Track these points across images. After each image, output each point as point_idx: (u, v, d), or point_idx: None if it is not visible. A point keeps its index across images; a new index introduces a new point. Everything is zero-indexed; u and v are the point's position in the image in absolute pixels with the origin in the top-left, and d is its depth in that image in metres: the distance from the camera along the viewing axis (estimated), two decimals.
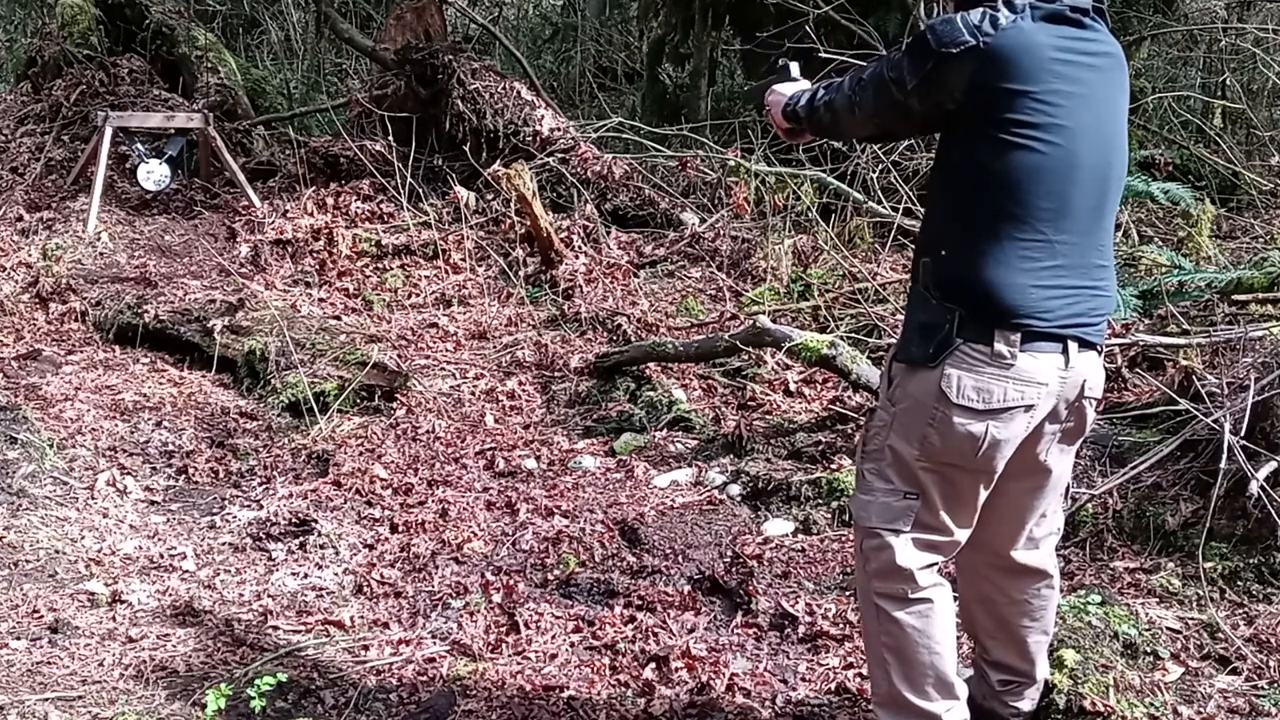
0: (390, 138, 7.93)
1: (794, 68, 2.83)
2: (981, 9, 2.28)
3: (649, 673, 3.11)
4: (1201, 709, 2.74)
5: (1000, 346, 2.30)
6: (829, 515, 3.99)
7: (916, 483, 2.41)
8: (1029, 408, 2.35)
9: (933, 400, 2.35)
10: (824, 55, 6.98)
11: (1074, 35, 2.32)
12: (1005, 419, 2.34)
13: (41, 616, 3.43)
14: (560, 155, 7.63)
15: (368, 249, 7.14)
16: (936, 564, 2.47)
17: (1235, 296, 5.12)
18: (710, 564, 3.74)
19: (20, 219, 7.57)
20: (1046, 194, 2.29)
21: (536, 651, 3.26)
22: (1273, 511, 3.21)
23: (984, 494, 2.44)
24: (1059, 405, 2.40)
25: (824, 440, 4.52)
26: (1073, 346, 2.35)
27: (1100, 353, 2.46)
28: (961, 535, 2.47)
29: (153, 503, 4.44)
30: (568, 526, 4.03)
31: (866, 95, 2.45)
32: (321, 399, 5.22)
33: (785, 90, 2.75)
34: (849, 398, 4.88)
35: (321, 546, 3.99)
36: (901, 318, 2.60)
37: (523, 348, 5.98)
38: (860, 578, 2.54)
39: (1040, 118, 2.26)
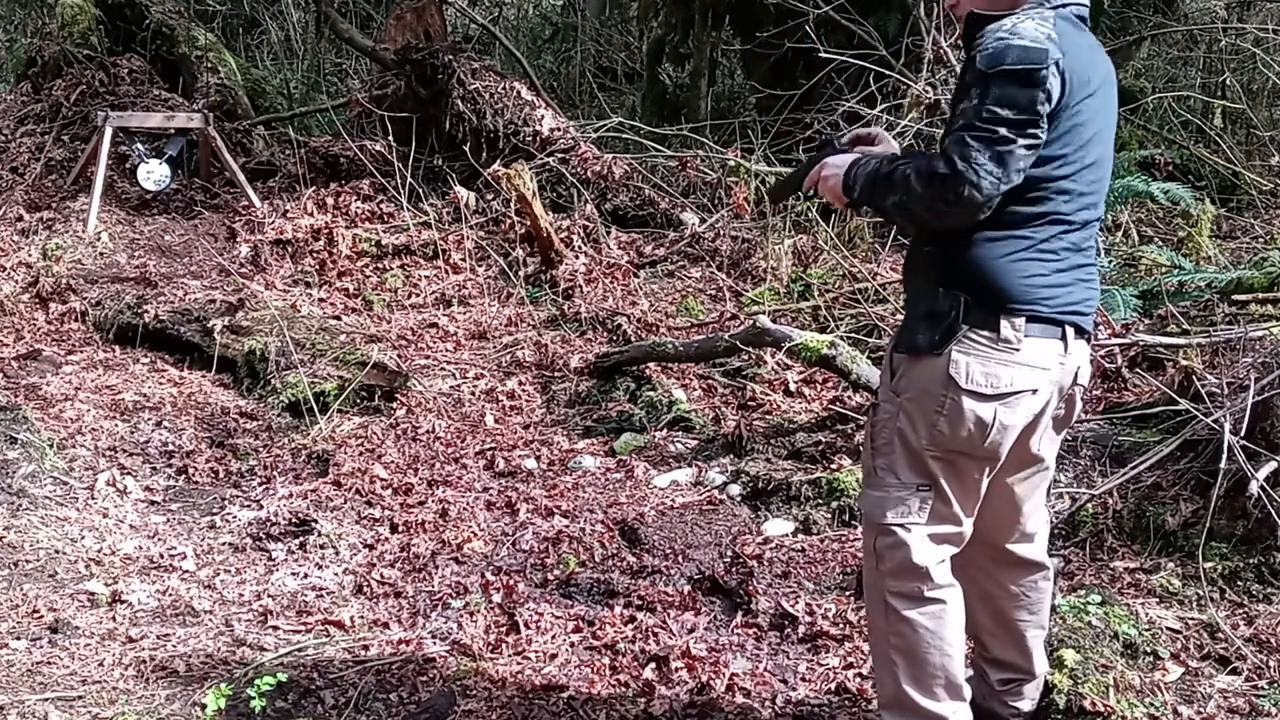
0: (390, 138, 7.93)
1: (839, 140, 2.68)
2: (1034, 21, 2.25)
3: (649, 673, 3.11)
4: (1201, 709, 2.75)
5: (1007, 331, 2.33)
6: (829, 515, 3.99)
7: (927, 473, 2.41)
8: (1034, 392, 2.38)
9: (940, 387, 2.36)
10: (824, 55, 6.98)
11: (1089, 42, 2.39)
12: (1012, 403, 2.36)
13: (41, 616, 3.43)
14: (560, 155, 7.63)
15: (368, 249, 7.13)
16: (948, 559, 2.47)
17: (1235, 296, 5.12)
18: (710, 564, 3.74)
19: (20, 219, 7.56)
20: (1051, 186, 2.32)
21: (536, 651, 3.25)
22: (1273, 511, 3.21)
23: (986, 482, 2.45)
24: (1056, 392, 2.43)
25: (824, 440, 4.52)
26: (1070, 333, 2.39)
27: (1090, 342, 2.50)
28: (969, 525, 2.48)
29: (153, 503, 4.44)
30: (568, 526, 4.03)
31: (978, 169, 2.21)
32: (321, 399, 5.22)
33: (839, 163, 2.53)
34: (849, 398, 4.89)
35: (321, 546, 3.99)
36: (901, 317, 2.60)
37: (523, 348, 5.98)
38: (872, 577, 2.52)
39: (1075, 120, 2.29)
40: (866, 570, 2.57)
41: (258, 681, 2.82)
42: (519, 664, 3.19)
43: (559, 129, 7.92)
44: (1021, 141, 2.21)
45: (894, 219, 2.38)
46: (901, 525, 2.42)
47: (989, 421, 2.35)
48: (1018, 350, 2.33)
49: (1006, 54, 2.23)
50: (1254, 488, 3.26)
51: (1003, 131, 2.20)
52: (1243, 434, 3.38)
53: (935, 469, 2.41)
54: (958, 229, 2.33)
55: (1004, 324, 2.33)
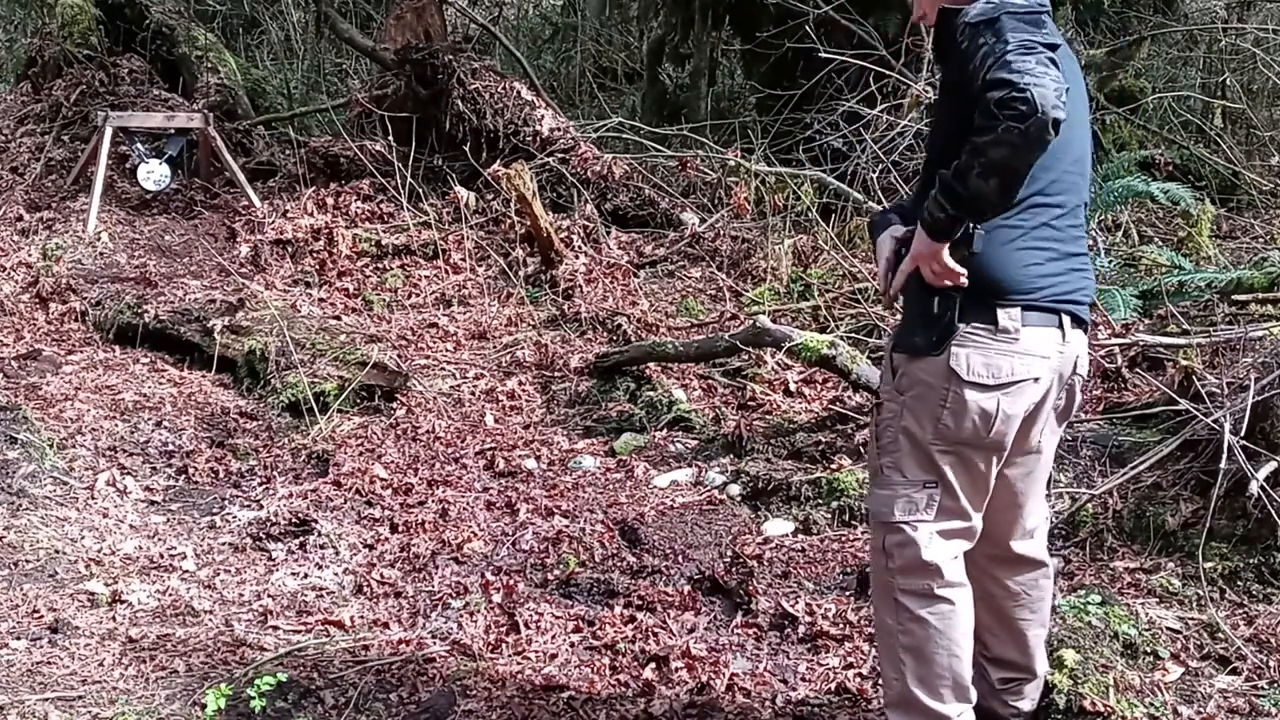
0: (390, 138, 7.93)
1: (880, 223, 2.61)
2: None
3: (649, 673, 3.11)
4: (1201, 709, 2.74)
5: (1005, 321, 2.35)
6: (829, 515, 3.99)
7: (934, 468, 2.42)
8: (1035, 380, 2.39)
9: (943, 381, 2.38)
10: (824, 55, 6.98)
11: (1058, 32, 2.38)
12: (1014, 392, 2.38)
13: (41, 616, 3.43)
14: (560, 155, 7.63)
15: (368, 249, 7.13)
16: (960, 556, 2.47)
17: (1235, 296, 5.12)
18: (710, 564, 3.74)
19: (20, 219, 7.57)
20: (1038, 180, 2.32)
21: (536, 651, 3.25)
22: (1273, 511, 3.21)
23: (994, 473, 2.46)
24: (1056, 381, 2.45)
25: (824, 440, 4.52)
26: (1067, 321, 2.41)
27: (1086, 331, 2.51)
28: (978, 521, 2.49)
29: (153, 503, 4.44)
30: (568, 526, 4.03)
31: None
32: (321, 399, 5.22)
33: (899, 233, 2.48)
34: (849, 398, 4.88)
35: (321, 546, 3.99)
36: (900, 317, 2.60)
37: (523, 348, 5.98)
38: (882, 576, 2.51)
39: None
40: (875, 569, 2.57)
41: (258, 681, 2.82)
42: (519, 664, 3.19)
43: (559, 129, 7.92)
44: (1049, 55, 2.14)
45: (989, 196, 2.19)
46: (909, 523, 2.43)
47: (993, 412, 2.37)
48: (1017, 339, 2.36)
49: (1006, 4, 2.23)
50: (1254, 488, 3.26)
51: (1038, 42, 2.15)
52: (1243, 434, 3.38)
53: (942, 464, 2.42)
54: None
55: (1001, 315, 2.35)
